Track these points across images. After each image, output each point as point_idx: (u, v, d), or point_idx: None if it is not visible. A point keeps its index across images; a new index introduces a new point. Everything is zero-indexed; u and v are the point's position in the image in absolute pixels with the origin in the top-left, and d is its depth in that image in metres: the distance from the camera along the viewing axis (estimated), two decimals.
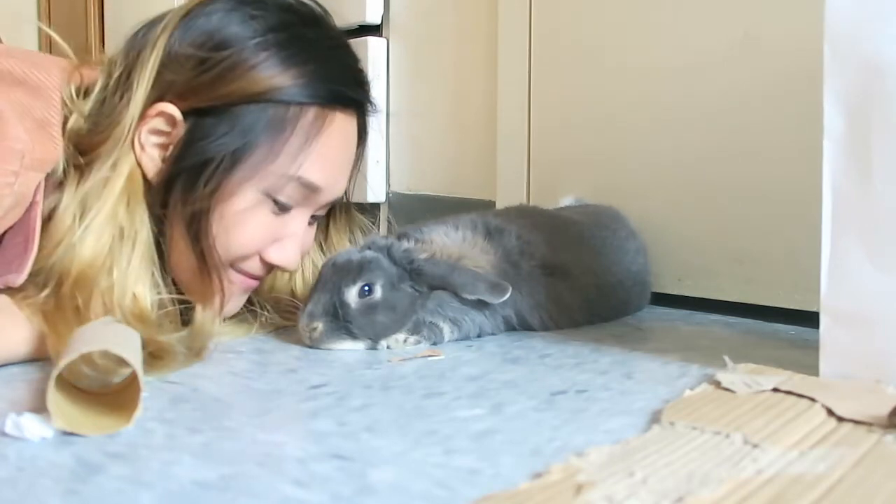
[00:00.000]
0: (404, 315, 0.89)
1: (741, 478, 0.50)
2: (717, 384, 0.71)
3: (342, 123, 0.92)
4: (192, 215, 0.86)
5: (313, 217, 0.96)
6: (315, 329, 0.87)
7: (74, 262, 0.80)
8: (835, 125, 0.72)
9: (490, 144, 1.41)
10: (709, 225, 1.14)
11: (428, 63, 1.54)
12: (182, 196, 0.86)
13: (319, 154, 0.89)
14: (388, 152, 1.58)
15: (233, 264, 0.90)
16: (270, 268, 0.94)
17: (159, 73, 0.86)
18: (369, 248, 0.91)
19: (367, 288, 0.87)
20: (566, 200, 1.24)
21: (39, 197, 0.82)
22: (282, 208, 0.90)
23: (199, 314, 0.87)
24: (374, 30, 1.57)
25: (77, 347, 0.61)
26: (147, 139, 0.87)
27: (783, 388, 0.69)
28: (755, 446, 0.55)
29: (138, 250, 0.84)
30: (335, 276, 0.88)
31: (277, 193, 0.88)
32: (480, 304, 0.91)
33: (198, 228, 0.86)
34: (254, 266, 0.92)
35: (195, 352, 0.81)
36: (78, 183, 0.84)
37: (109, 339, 0.64)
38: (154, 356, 0.77)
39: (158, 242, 0.88)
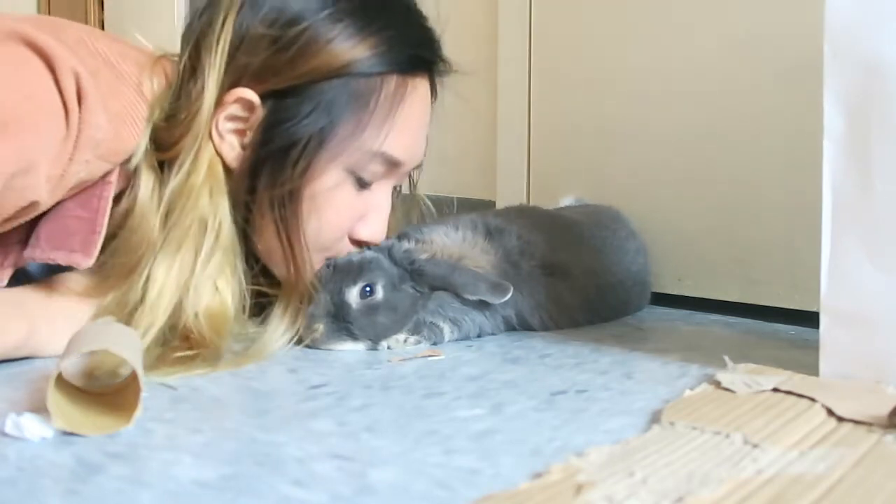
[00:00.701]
0: (405, 316, 0.89)
1: (741, 478, 0.50)
2: (717, 384, 0.71)
3: (420, 88, 0.90)
4: (281, 199, 0.84)
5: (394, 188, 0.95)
6: (316, 330, 0.87)
7: (162, 265, 0.80)
8: (835, 125, 0.72)
9: (490, 144, 1.41)
10: (709, 225, 1.14)
11: None
12: (270, 180, 0.84)
13: (402, 125, 0.87)
14: None
15: (324, 252, 0.89)
16: (359, 245, 0.92)
17: (231, 58, 0.83)
18: (370, 249, 0.91)
19: (368, 288, 0.87)
20: (566, 200, 1.24)
21: (113, 178, 0.80)
22: (363, 185, 0.88)
23: (274, 324, 0.86)
24: None
25: (77, 347, 0.61)
26: (224, 126, 0.84)
27: (783, 388, 0.69)
28: (755, 446, 0.55)
29: (221, 242, 0.84)
30: (336, 276, 0.88)
31: (361, 171, 0.87)
32: (481, 305, 0.91)
33: (288, 212, 0.84)
34: (344, 249, 0.91)
35: (245, 356, 0.81)
36: (157, 180, 0.82)
37: (110, 339, 0.64)
38: (194, 358, 0.77)
39: (244, 232, 0.87)
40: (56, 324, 0.79)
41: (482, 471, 0.53)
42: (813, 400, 0.66)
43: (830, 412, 0.63)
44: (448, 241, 0.95)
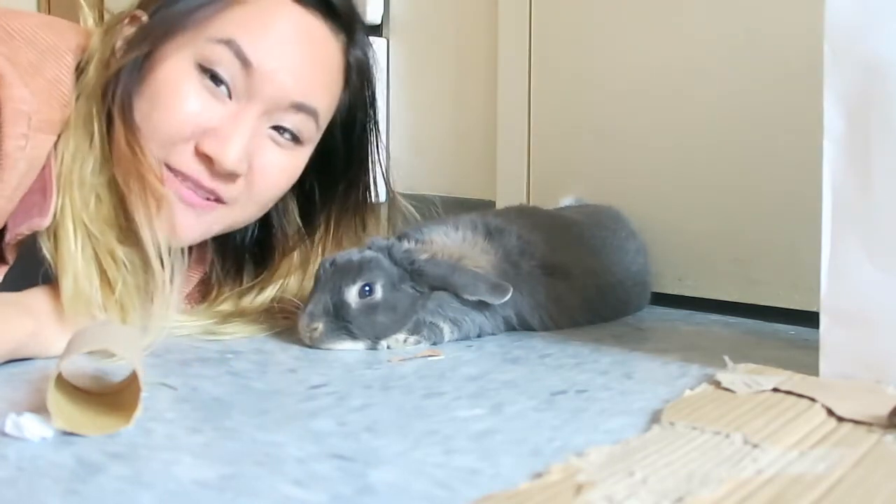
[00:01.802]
0: (405, 315, 0.89)
1: (741, 478, 0.50)
2: (717, 384, 0.71)
3: (289, 10, 0.88)
4: (119, 86, 0.83)
5: (281, 130, 0.89)
6: (315, 329, 0.87)
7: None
8: (835, 125, 0.72)
9: (490, 144, 1.41)
10: (709, 225, 1.14)
11: (428, 63, 1.54)
12: (117, 76, 0.84)
13: (253, 23, 0.86)
14: (388, 152, 1.57)
15: (167, 160, 0.85)
16: (210, 171, 0.86)
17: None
18: (369, 249, 0.91)
19: (367, 288, 0.87)
20: (566, 200, 1.24)
21: (52, 149, 0.82)
22: (218, 82, 0.85)
23: (146, 236, 0.84)
24: (374, 30, 1.57)
25: (77, 347, 0.61)
26: (121, 49, 0.87)
27: (783, 388, 0.69)
28: (755, 446, 0.55)
29: (94, 151, 0.85)
30: (335, 275, 0.88)
31: (210, 62, 0.84)
32: (481, 305, 0.91)
33: (124, 100, 0.83)
34: (186, 158, 0.85)
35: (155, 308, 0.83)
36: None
37: (109, 339, 0.64)
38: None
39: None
40: (62, 323, 0.80)
41: (482, 471, 0.53)
42: (813, 400, 0.66)
43: (830, 412, 0.63)
44: (448, 241, 0.95)
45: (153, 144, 0.84)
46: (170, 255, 0.85)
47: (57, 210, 0.82)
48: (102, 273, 0.84)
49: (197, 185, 0.86)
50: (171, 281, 0.85)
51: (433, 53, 1.53)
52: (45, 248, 0.82)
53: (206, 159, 0.85)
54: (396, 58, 1.56)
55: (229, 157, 0.85)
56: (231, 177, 0.87)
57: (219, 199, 0.88)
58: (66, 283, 0.81)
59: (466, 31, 1.47)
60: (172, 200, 0.85)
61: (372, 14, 1.54)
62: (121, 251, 0.85)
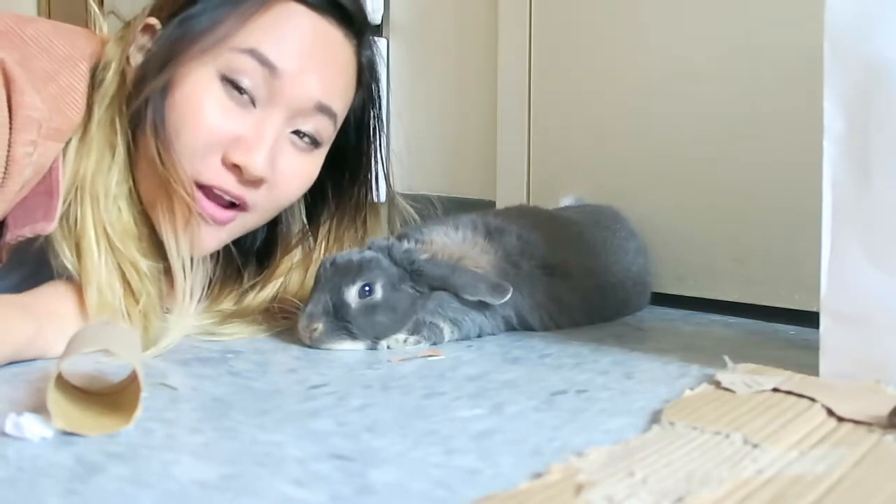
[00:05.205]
0: (404, 315, 0.89)
1: (741, 478, 0.50)
2: (717, 384, 0.71)
3: (305, 18, 0.88)
4: (150, 109, 0.84)
5: (301, 134, 0.90)
6: (315, 329, 0.87)
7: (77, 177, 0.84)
8: (835, 125, 0.72)
9: (490, 144, 1.41)
10: (709, 225, 1.14)
11: (428, 63, 1.54)
12: (142, 88, 0.84)
13: (273, 31, 0.86)
14: (388, 152, 1.57)
15: (196, 176, 0.85)
16: (238, 178, 0.86)
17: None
18: (369, 249, 0.91)
19: (367, 288, 0.87)
20: (566, 200, 1.24)
21: (60, 154, 0.83)
22: (241, 91, 0.85)
23: (172, 248, 0.85)
24: (375, 30, 1.57)
25: (77, 347, 0.61)
26: (135, 59, 0.87)
27: (783, 388, 0.69)
28: (755, 446, 0.55)
29: (117, 162, 0.85)
30: (335, 276, 0.88)
31: (233, 72, 0.85)
32: (481, 305, 0.91)
33: (156, 120, 0.83)
34: (215, 169, 0.85)
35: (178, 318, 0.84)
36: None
37: (109, 339, 0.64)
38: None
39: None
40: (63, 324, 0.80)
41: (482, 471, 0.53)
42: (813, 400, 0.66)
43: (830, 412, 0.63)
44: (448, 241, 0.95)
45: (183, 159, 0.84)
46: (191, 265, 0.87)
47: (77, 219, 0.83)
48: (126, 283, 0.84)
49: (224, 193, 0.87)
50: (192, 290, 0.86)
51: (433, 53, 1.53)
52: (66, 258, 0.83)
53: (235, 168, 0.86)
54: (396, 58, 1.56)
55: (257, 163, 0.86)
56: (258, 182, 0.88)
57: (242, 206, 0.89)
58: (90, 294, 0.82)
59: (466, 31, 1.47)
60: (199, 217, 0.86)
61: (372, 14, 1.54)
62: (144, 264, 0.85)
